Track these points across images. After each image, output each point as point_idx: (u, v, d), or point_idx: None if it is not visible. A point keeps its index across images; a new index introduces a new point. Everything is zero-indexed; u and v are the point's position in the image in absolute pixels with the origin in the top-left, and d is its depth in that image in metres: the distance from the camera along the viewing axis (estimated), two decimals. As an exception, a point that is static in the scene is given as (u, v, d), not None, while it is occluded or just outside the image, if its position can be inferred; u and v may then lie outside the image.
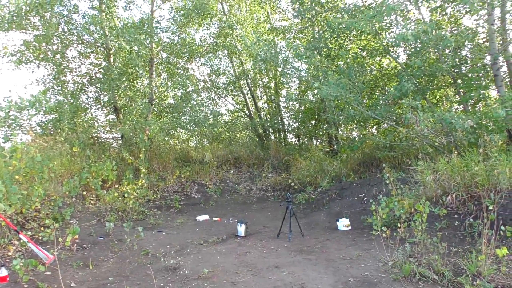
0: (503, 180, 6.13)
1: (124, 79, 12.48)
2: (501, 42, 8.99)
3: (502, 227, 5.45)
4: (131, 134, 11.71)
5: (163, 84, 14.88)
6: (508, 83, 9.29)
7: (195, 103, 14.52)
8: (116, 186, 9.78)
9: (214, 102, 16.37)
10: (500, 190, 6.16)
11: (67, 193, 8.22)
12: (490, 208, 6.00)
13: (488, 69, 8.92)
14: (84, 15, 12.46)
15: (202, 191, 11.31)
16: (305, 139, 15.55)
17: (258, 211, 9.96)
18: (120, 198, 9.25)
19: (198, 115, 15.51)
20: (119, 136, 12.74)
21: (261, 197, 11.11)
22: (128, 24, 11.93)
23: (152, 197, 10.36)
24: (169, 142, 13.91)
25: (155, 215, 9.23)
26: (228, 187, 11.69)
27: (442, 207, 6.54)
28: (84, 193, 9.28)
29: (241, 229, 7.47)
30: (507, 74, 9.26)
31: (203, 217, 9.10)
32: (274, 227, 7.89)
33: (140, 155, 10.49)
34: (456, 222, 6.28)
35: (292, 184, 10.83)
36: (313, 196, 10.05)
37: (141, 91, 13.31)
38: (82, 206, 8.95)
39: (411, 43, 8.23)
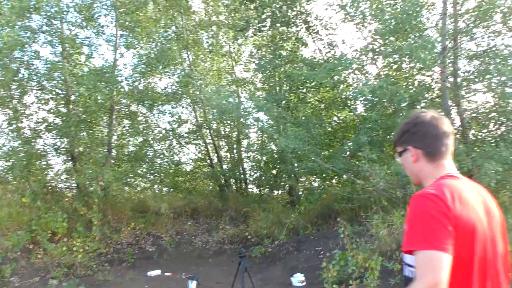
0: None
1: (82, 126, 12.28)
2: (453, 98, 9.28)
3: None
4: (87, 183, 11.38)
5: (123, 132, 14.65)
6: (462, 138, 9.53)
7: (153, 152, 14.36)
8: (66, 239, 9.37)
9: (175, 151, 16.21)
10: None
11: (10, 247, 7.82)
12: None
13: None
14: (46, 61, 12.30)
15: (157, 244, 10.95)
16: (266, 190, 15.47)
17: (213, 265, 9.69)
18: (69, 252, 8.85)
19: (159, 163, 15.43)
20: (75, 185, 12.38)
21: (217, 250, 10.83)
22: (89, 72, 11.82)
23: (104, 250, 9.93)
24: (126, 192, 13.53)
25: (105, 270, 8.84)
26: (184, 240, 11.37)
27: (396, 262, 6.48)
28: (31, 246, 8.85)
29: (192, 286, 7.21)
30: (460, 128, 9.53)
31: (155, 273, 8.76)
32: (228, 283, 7.60)
33: (93, 206, 10.15)
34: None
35: (249, 236, 10.63)
36: (270, 249, 9.87)
37: (100, 139, 13.03)
38: (26, 261, 8.48)
39: (368, 97, 8.43)
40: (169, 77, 14.89)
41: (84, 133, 12.82)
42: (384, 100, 8.53)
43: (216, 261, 10.03)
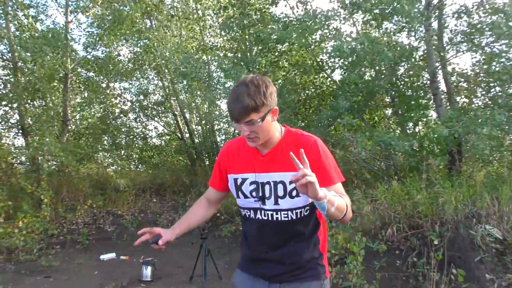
0: (449, 210, 5.31)
1: (32, 96, 11.08)
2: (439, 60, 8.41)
3: (454, 270, 4.59)
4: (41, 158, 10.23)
5: (81, 104, 13.44)
6: (447, 103, 8.70)
7: (115, 125, 13.26)
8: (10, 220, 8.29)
9: (141, 124, 15.14)
10: (445, 222, 5.34)
11: None
12: (436, 242, 5.16)
13: (427, 88, 8.29)
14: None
15: (117, 223, 9.90)
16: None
17: (177, 246, 8.66)
18: (14, 233, 7.77)
19: (124, 137, 14.36)
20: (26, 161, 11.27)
21: (184, 229, 9.88)
22: (34, 35, 10.52)
23: (55, 231, 8.86)
24: (82, 168, 12.39)
25: (53, 254, 7.82)
26: (148, 218, 10.35)
27: (382, 243, 5.64)
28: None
29: (147, 272, 6.26)
30: (446, 93, 8.70)
31: (109, 256, 7.75)
32: (190, 268, 6.68)
33: (42, 183, 9.06)
34: (398, 260, 5.38)
35: (218, 214, 9.67)
36: (240, 228, 8.95)
37: (54, 110, 11.78)
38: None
39: (347, 57, 7.41)
40: (131, 46, 13.71)
41: (36, 103, 11.61)
42: (364, 60, 7.53)
43: (181, 241, 9.01)
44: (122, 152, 14.58)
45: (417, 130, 8.72)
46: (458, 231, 5.21)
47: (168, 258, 7.58)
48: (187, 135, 15.02)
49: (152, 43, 12.40)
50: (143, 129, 15.32)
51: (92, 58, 12.53)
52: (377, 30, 8.82)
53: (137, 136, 14.96)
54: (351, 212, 2.03)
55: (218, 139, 15.24)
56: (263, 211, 2.15)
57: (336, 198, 1.86)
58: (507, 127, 6.34)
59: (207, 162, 14.61)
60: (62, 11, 11.84)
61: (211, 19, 13.61)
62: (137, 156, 15.14)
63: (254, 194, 2.16)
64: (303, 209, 2.09)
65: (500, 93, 7.88)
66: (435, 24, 8.39)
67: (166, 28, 13.64)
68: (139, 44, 13.23)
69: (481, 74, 8.62)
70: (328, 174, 2.02)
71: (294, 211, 2.08)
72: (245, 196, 2.20)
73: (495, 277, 4.60)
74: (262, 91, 1.92)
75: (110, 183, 11.63)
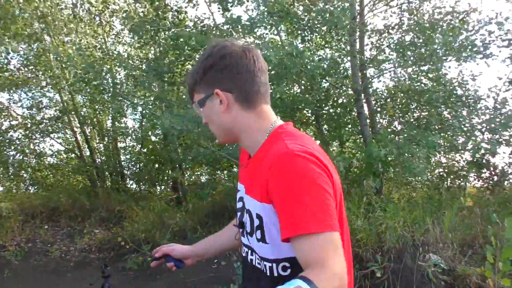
0: (392, 238, 4.77)
1: None
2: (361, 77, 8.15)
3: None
4: None
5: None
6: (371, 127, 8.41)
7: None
8: None
9: (33, 141, 13.44)
10: (387, 250, 4.79)
11: None
12: (378, 275, 4.57)
13: (353, 106, 7.94)
14: None
15: (-2, 256, 8.34)
16: (146, 185, 13.33)
17: (73, 282, 7.41)
18: None
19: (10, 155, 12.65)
20: None
21: (81, 261, 8.47)
22: None
23: None
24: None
25: None
26: (37, 249, 8.80)
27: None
28: None
29: (31, 321, 5.00)
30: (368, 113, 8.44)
31: (-18, 299, 6.31)
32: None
33: None
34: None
35: (123, 243, 8.45)
36: (149, 259, 7.81)
37: None
38: None
39: (273, 68, 6.79)
40: (22, 55, 12.09)
41: None
42: (292, 72, 6.94)
43: (78, 276, 7.73)
44: (10, 171, 12.84)
45: (342, 150, 8.32)
46: (402, 261, 4.68)
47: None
48: (88, 153, 13.57)
49: (48, 51, 10.96)
50: (36, 147, 13.65)
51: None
52: (302, 42, 8.35)
53: (29, 154, 13.25)
54: None
55: (123, 157, 14.02)
56: (242, 245, 1.52)
57: None
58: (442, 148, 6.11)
59: (108, 184, 13.32)
60: None
61: (119, 22, 12.42)
62: (28, 176, 13.41)
63: (238, 214, 1.54)
64: (274, 265, 1.32)
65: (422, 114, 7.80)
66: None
67: (64, 34, 12.20)
68: (32, 51, 11.68)
69: (401, 95, 8.53)
70: (290, 215, 1.18)
71: (263, 263, 1.35)
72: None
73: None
74: (204, 65, 1.40)
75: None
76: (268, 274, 1.34)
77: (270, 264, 1.33)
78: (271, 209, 1.25)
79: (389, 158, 5.97)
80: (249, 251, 1.45)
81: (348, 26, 6.84)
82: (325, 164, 1.26)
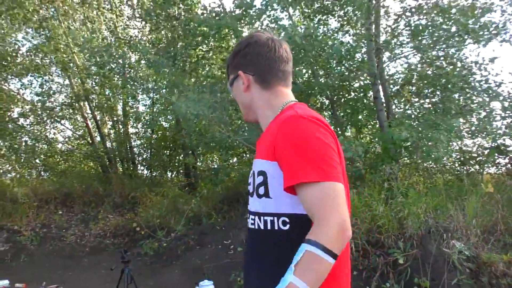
0: (414, 224, 4.68)
1: None
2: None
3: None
4: None
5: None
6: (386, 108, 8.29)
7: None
8: None
9: (46, 127, 13.41)
10: (409, 237, 4.71)
11: None
12: (401, 262, 4.50)
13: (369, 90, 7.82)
14: None
15: (13, 241, 8.33)
16: (158, 172, 13.30)
17: (89, 267, 7.42)
18: None
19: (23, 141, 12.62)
20: None
21: (96, 247, 8.50)
22: None
23: None
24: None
25: None
26: (52, 234, 8.83)
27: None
28: None
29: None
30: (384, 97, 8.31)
31: (0, 284, 6.30)
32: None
33: None
34: (360, 282, 4.65)
35: (138, 228, 8.45)
36: (164, 244, 7.79)
37: None
38: None
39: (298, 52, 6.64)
40: (30, 41, 12.01)
41: None
42: (310, 54, 6.79)
43: (93, 261, 7.75)
44: (22, 158, 12.83)
45: (358, 136, 8.20)
46: (425, 248, 4.60)
47: (80, 282, 6.31)
48: (98, 139, 13.54)
49: (56, 34, 10.86)
50: (48, 133, 13.63)
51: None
52: (317, 25, 8.18)
53: (40, 140, 13.22)
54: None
55: (134, 143, 14.00)
56: (248, 213, 1.60)
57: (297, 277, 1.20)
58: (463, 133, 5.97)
59: (120, 170, 13.30)
60: None
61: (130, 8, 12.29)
62: (40, 162, 13.40)
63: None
64: (275, 218, 1.42)
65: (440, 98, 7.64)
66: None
67: (73, 19, 12.07)
68: (40, 36, 11.58)
69: (417, 79, 8.37)
70: (292, 166, 1.31)
71: (261, 218, 1.46)
72: None
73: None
74: (234, 51, 1.68)
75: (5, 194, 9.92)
76: (269, 228, 1.43)
77: (271, 218, 1.42)
78: (276, 165, 1.37)
79: (408, 142, 5.86)
80: (254, 218, 1.51)
81: (365, 5, 6.68)
82: (331, 130, 1.42)
